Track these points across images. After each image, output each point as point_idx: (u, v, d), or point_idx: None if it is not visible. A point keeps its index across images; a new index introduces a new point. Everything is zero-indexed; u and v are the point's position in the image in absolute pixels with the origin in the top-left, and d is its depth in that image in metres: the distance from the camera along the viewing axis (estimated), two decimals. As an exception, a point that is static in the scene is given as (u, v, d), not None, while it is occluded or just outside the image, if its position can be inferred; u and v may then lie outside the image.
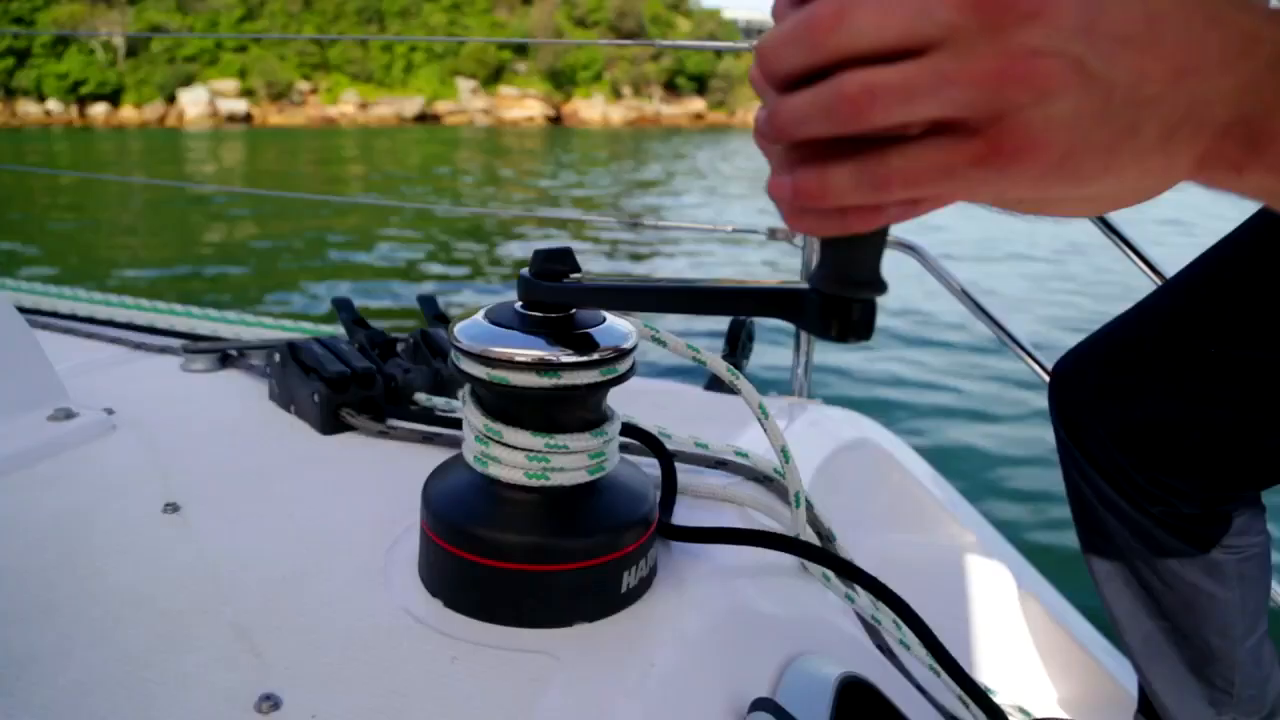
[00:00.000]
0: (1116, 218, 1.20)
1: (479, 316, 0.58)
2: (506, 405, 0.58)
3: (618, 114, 67.62)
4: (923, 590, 1.16)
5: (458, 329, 0.57)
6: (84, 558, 0.65)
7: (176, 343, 1.17)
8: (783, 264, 7.37)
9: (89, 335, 1.24)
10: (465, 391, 0.61)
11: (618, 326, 0.58)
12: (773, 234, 1.33)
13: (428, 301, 1.16)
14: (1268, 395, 0.80)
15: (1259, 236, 0.83)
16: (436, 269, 8.14)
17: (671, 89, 71.67)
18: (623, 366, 0.57)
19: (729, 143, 36.89)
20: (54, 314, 1.38)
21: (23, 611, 0.59)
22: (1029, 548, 1.51)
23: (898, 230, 1.36)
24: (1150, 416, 0.87)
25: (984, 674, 1.29)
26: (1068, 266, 8.57)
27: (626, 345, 0.57)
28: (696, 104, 70.67)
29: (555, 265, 0.56)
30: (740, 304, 0.51)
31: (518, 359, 0.54)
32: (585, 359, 0.55)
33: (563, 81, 69.19)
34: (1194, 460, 0.85)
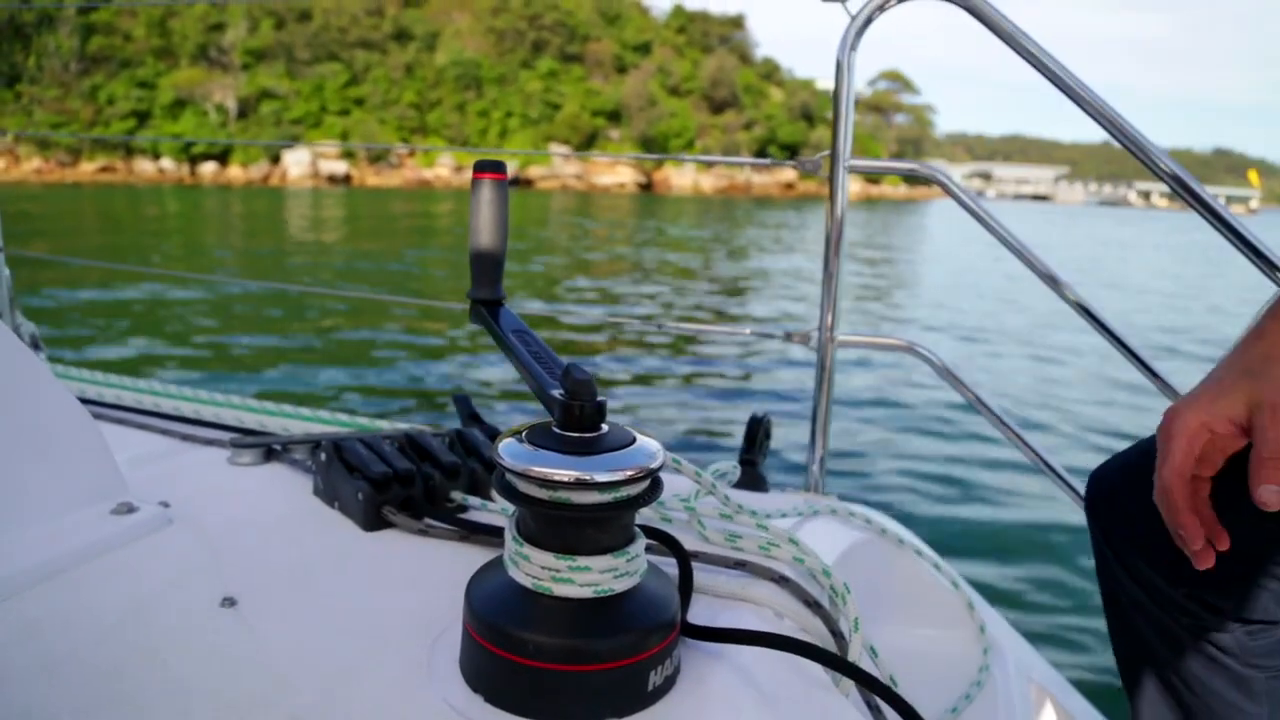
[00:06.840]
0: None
1: (522, 436, 0.64)
2: (545, 522, 0.63)
3: (708, 182, 68.72)
4: (938, 686, 1.18)
5: (501, 447, 0.63)
6: (150, 650, 0.70)
7: (224, 435, 1.23)
8: (798, 357, 7.49)
9: (140, 426, 1.31)
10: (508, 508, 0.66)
11: (647, 447, 0.64)
12: (789, 337, 1.39)
13: (462, 401, 1.22)
14: None
15: None
16: (462, 356, 8.21)
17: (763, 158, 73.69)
18: (652, 486, 0.63)
19: (813, 211, 38.29)
20: (106, 404, 1.45)
21: (97, 704, 0.63)
22: (1044, 643, 1.51)
23: (910, 334, 1.41)
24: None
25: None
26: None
27: (655, 465, 0.63)
28: (787, 173, 71.98)
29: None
30: None
31: (554, 478, 0.60)
32: (618, 478, 0.60)
33: (654, 149, 70.85)
34: (1229, 584, 0.86)
